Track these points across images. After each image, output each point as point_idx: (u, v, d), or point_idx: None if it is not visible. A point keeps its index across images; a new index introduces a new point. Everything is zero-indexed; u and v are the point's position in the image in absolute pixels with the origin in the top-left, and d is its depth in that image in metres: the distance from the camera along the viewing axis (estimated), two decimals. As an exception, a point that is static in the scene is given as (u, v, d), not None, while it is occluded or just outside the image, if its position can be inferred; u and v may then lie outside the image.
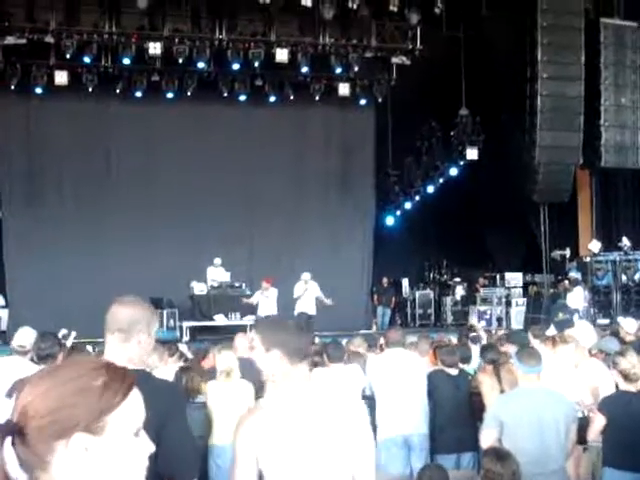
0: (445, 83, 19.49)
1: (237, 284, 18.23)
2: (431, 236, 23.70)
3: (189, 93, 18.97)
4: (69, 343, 7.69)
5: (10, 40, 16.95)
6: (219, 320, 17.55)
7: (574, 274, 18.37)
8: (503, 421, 5.20)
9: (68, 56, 17.16)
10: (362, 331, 16.64)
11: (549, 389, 5.42)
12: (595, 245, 18.96)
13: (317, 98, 19.72)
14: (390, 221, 24.55)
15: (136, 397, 1.50)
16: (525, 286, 20.89)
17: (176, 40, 17.56)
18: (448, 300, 22.24)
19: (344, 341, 8.97)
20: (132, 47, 17.52)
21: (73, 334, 8.33)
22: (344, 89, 19.58)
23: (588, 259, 19.02)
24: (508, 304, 20.31)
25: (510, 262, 22.19)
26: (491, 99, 19.56)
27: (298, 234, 20.73)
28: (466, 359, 8.14)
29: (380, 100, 20.21)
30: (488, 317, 19.86)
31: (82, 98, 18.63)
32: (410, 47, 18.60)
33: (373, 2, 17.52)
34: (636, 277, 18.52)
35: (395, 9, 17.05)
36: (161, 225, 19.64)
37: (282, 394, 3.05)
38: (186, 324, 17.44)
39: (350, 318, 18.57)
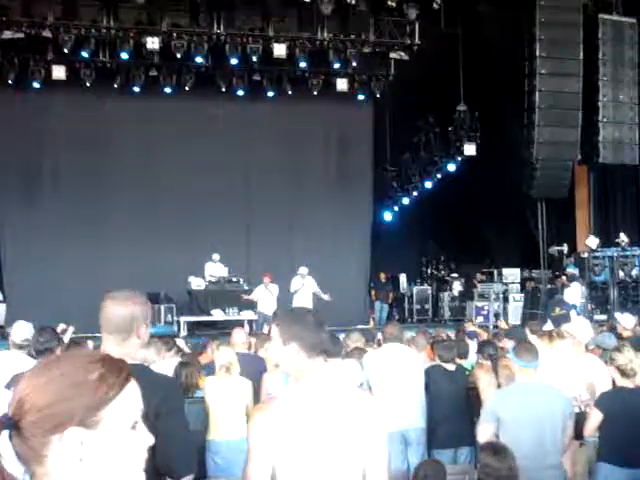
0: (443, 78, 19.47)
1: (235, 279, 18.25)
2: (429, 232, 23.74)
3: (187, 88, 18.96)
4: (67, 338, 7.68)
5: (7, 34, 16.92)
6: (217, 315, 17.58)
7: (571, 270, 18.38)
8: (500, 416, 5.22)
9: (66, 51, 17.10)
10: (360, 326, 16.65)
11: (546, 384, 5.43)
12: (593, 241, 18.95)
13: (315, 93, 19.69)
14: (388, 216, 24.58)
15: (133, 390, 1.50)
16: (522, 282, 20.90)
17: (174, 35, 17.52)
18: (446, 296, 22.27)
19: (342, 336, 8.98)
20: (130, 42, 17.48)
21: (71, 329, 8.34)
22: (342, 84, 19.56)
23: (586, 255, 19.01)
24: (505, 300, 20.32)
25: (508, 258, 22.19)
26: (489, 95, 19.55)
27: (296, 229, 20.75)
28: (463, 354, 8.16)
29: (378, 95, 20.20)
30: (485, 313, 19.88)
31: (80, 93, 18.61)
32: (408, 42, 18.56)
33: (371, -3, 17.52)
34: (633, 273, 18.52)
35: (393, 4, 17.03)
36: (159, 220, 19.66)
37: (298, 388, 3.04)
38: (184, 319, 17.47)
39: (348, 313, 18.59)
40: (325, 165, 21.55)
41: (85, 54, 17.59)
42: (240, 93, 19.64)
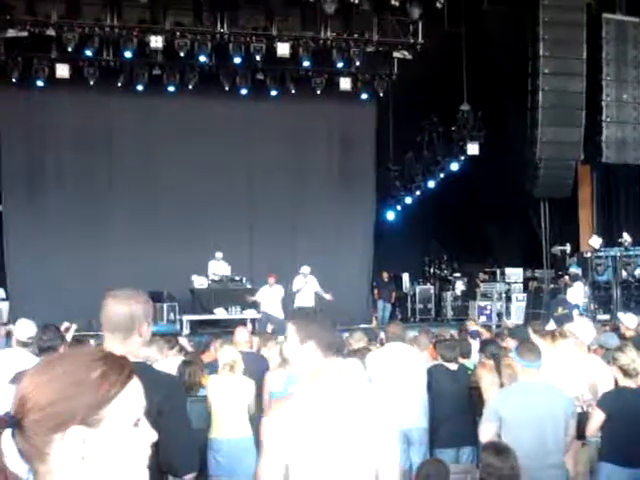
0: (446, 78, 19.46)
1: (238, 278, 18.26)
2: (432, 231, 23.75)
3: (190, 87, 18.94)
4: (69, 336, 7.69)
5: (12, 33, 16.94)
6: (219, 314, 17.58)
7: (574, 269, 18.36)
8: (502, 415, 5.22)
9: (70, 49, 17.10)
10: (362, 325, 16.65)
11: (548, 384, 5.43)
12: (596, 241, 18.94)
13: (318, 92, 19.69)
14: (391, 216, 24.58)
15: (135, 387, 1.50)
16: (525, 281, 20.91)
17: (177, 34, 17.53)
18: (448, 295, 22.27)
19: (345, 335, 8.98)
20: (133, 40, 17.48)
21: (74, 327, 8.34)
22: (345, 83, 19.56)
23: (588, 254, 19.00)
24: (508, 299, 20.32)
25: (510, 257, 22.20)
26: (492, 94, 19.55)
27: (299, 228, 20.75)
28: (466, 354, 8.17)
29: (381, 95, 20.19)
30: (488, 312, 19.87)
31: (83, 92, 18.60)
32: (411, 42, 18.56)
33: (375, -4, 17.52)
34: (636, 273, 18.51)
35: (396, 3, 17.03)
36: (162, 218, 19.66)
37: (313, 387, 3.05)
38: (186, 317, 17.48)
39: (350, 312, 18.59)
40: (328, 164, 21.55)
41: (89, 53, 17.59)
42: (243, 92, 19.63)
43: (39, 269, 18.69)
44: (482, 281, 21.42)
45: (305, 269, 17.26)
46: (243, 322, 15.18)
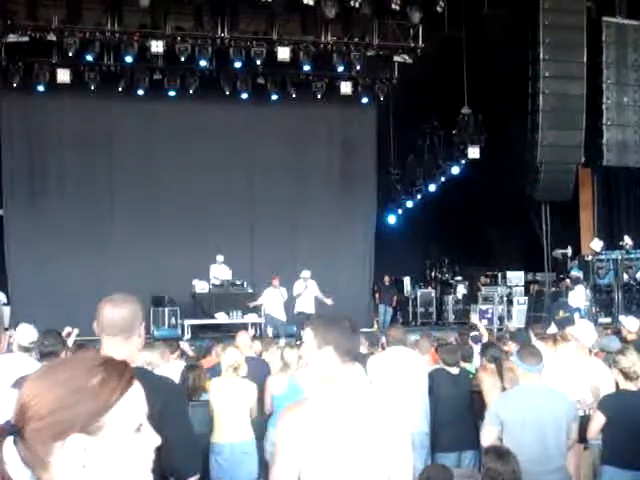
0: (447, 82, 19.48)
1: (239, 282, 18.27)
2: (433, 235, 23.76)
3: (191, 91, 18.97)
4: (71, 341, 7.70)
5: (13, 38, 16.97)
6: (220, 318, 17.59)
7: (576, 273, 18.37)
8: (503, 419, 5.22)
9: (70, 54, 17.15)
10: (364, 329, 16.64)
11: (550, 387, 5.43)
12: (597, 244, 18.94)
13: (319, 96, 19.72)
14: (392, 219, 24.60)
15: (136, 393, 1.50)
16: (527, 285, 20.91)
17: (178, 38, 17.55)
18: (450, 299, 22.28)
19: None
20: (134, 45, 17.50)
21: (75, 331, 8.34)
22: (346, 87, 19.59)
23: (590, 258, 19.01)
24: (510, 303, 20.32)
25: (512, 261, 22.20)
26: (493, 98, 19.56)
27: (300, 232, 20.76)
28: (468, 357, 8.16)
29: (382, 98, 20.21)
30: (489, 316, 19.86)
31: (84, 96, 18.64)
32: (412, 45, 18.59)
33: (375, 1, 17.47)
34: (638, 276, 18.51)
35: (397, 8, 17.02)
36: (163, 223, 19.68)
37: (329, 392, 3.04)
38: (188, 322, 17.48)
39: (351, 316, 18.55)
40: (329, 168, 21.56)
41: (89, 57, 17.61)
42: (244, 96, 19.65)
43: (40, 273, 18.71)
44: (483, 284, 21.42)
45: (305, 273, 17.25)
46: (244, 326, 15.17)
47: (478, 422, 6.43)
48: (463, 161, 20.98)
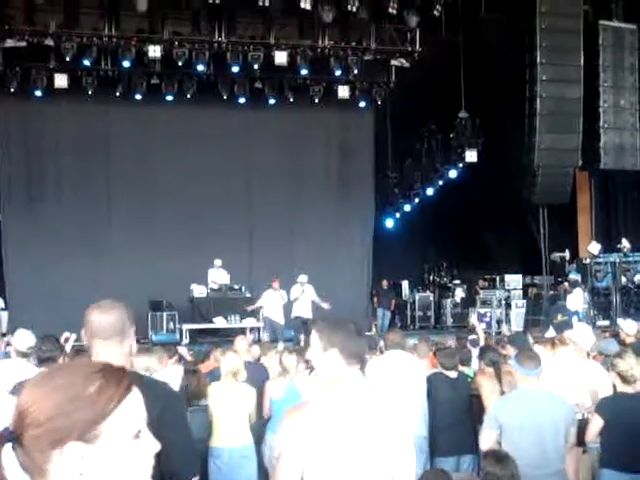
0: (444, 85, 19.50)
1: (237, 287, 18.25)
2: (431, 238, 23.75)
3: (189, 96, 18.97)
4: (69, 347, 7.69)
5: (10, 43, 16.97)
6: (219, 322, 17.57)
7: (574, 276, 18.37)
8: (502, 423, 5.22)
9: (68, 59, 17.13)
10: (362, 333, 16.59)
11: (548, 391, 5.43)
12: (594, 247, 18.96)
13: (316, 101, 19.72)
14: (390, 223, 24.60)
15: (134, 399, 1.49)
16: (525, 288, 20.90)
17: (176, 43, 17.56)
18: (448, 302, 22.26)
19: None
20: (132, 50, 17.51)
21: (73, 337, 8.32)
22: (343, 92, 19.59)
23: (588, 261, 19.03)
24: (508, 306, 20.31)
25: (510, 264, 22.20)
26: (490, 102, 19.58)
27: (298, 237, 20.75)
28: (466, 361, 8.16)
29: (379, 102, 20.21)
30: (488, 319, 19.85)
31: (82, 101, 18.63)
32: (409, 49, 18.59)
33: (372, 5, 17.52)
34: (636, 279, 18.52)
35: (394, 12, 17.04)
36: (161, 227, 19.66)
37: (334, 394, 3.03)
38: (186, 327, 17.46)
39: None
40: (327, 172, 21.56)
41: (87, 62, 17.61)
42: (242, 101, 19.66)
43: (38, 278, 18.68)
44: (481, 288, 21.41)
45: (302, 278, 17.24)
46: (242, 331, 15.17)
47: (477, 426, 6.42)
48: (461, 165, 21.00)
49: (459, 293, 22.31)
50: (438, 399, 7.24)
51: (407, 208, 24.09)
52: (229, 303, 17.79)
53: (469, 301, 21.69)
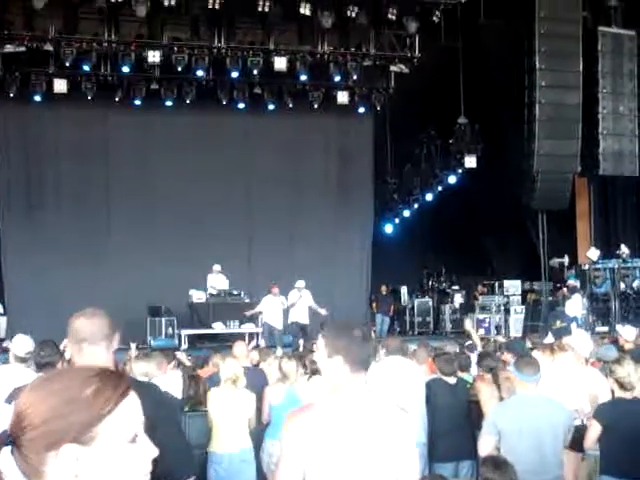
0: (444, 91, 19.52)
1: (236, 292, 18.22)
2: (430, 244, 23.74)
3: (188, 101, 18.98)
4: (68, 353, 7.68)
5: (9, 48, 16.96)
6: (218, 328, 17.55)
7: (572, 282, 18.38)
8: (501, 429, 5.21)
9: (67, 64, 17.15)
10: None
11: (547, 397, 5.43)
12: (593, 253, 18.97)
13: (316, 106, 19.73)
14: (389, 229, 24.60)
15: (131, 403, 1.50)
16: (524, 294, 20.87)
17: (175, 48, 17.56)
18: (447, 308, 22.23)
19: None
20: (131, 55, 17.51)
21: (71, 342, 8.31)
22: (343, 97, 19.61)
23: (587, 267, 19.04)
24: (507, 312, 20.28)
25: (509, 270, 22.19)
26: (489, 107, 19.60)
27: (297, 242, 20.74)
28: (465, 367, 8.15)
29: (379, 108, 20.22)
30: (487, 325, 19.83)
31: (81, 106, 18.63)
32: (408, 55, 18.60)
33: (371, 11, 17.53)
34: (634, 285, 18.53)
35: (393, 18, 17.06)
36: (160, 233, 19.65)
37: (337, 399, 3.02)
38: (185, 332, 17.43)
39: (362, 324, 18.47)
40: (326, 177, 21.57)
41: (86, 67, 17.62)
42: (241, 106, 19.67)
43: (37, 284, 18.66)
44: (480, 294, 21.40)
45: (300, 283, 17.22)
46: (242, 336, 15.15)
47: (475, 432, 6.42)
48: (460, 170, 21.02)
49: (458, 299, 22.27)
50: (437, 405, 7.23)
51: (406, 214, 24.10)
52: (228, 308, 17.76)
53: (468, 307, 21.65)
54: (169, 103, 19.15)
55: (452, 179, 21.50)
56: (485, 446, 5.28)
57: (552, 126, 17.38)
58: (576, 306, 16.91)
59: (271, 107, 19.93)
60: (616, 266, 18.63)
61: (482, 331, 19.30)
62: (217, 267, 18.10)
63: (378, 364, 7.83)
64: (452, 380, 7.41)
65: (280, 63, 17.74)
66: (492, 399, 6.77)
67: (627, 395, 5.66)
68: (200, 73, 18.09)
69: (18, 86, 18.13)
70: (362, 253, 21.69)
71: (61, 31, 17.11)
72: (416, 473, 3.03)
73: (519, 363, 5.45)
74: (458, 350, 10.88)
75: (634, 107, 18.38)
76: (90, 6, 17.09)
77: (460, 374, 7.73)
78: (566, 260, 19.72)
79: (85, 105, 18.57)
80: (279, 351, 12.49)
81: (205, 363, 9.83)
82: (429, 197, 22.79)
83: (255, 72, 18.10)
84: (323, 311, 16.79)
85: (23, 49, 17.07)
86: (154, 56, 17.27)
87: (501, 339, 14.62)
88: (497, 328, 19.71)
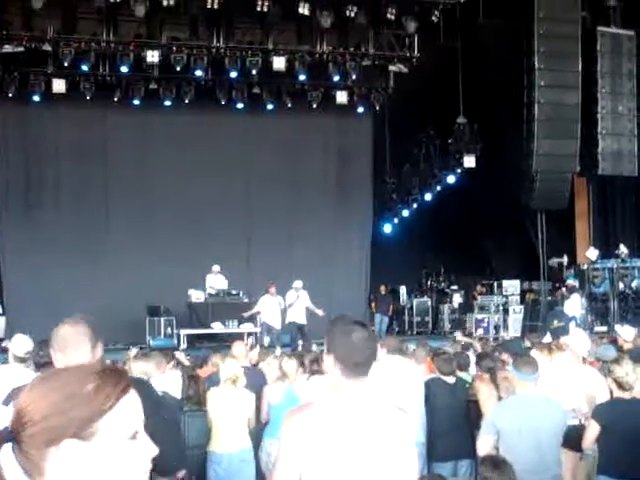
0: (443, 91, 19.51)
1: (235, 292, 18.22)
2: (429, 244, 23.74)
3: (187, 101, 18.99)
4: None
5: (8, 48, 16.95)
6: (216, 328, 17.54)
7: (571, 281, 18.39)
8: (500, 428, 5.21)
9: (66, 64, 17.16)
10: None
11: (546, 397, 5.43)
12: (592, 252, 18.97)
13: (315, 106, 19.74)
14: (388, 229, 24.59)
15: (131, 400, 1.50)
16: (522, 294, 20.88)
17: (174, 48, 17.57)
18: (445, 308, 22.25)
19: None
20: (130, 55, 17.52)
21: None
22: (342, 97, 19.61)
23: (585, 266, 19.04)
24: (505, 312, 20.28)
25: (508, 270, 22.19)
26: (488, 107, 19.60)
27: (296, 242, 20.75)
28: (464, 367, 8.15)
29: (378, 108, 20.23)
30: (485, 325, 19.84)
31: (80, 106, 18.64)
32: (407, 55, 18.60)
33: (370, 10, 17.53)
34: (633, 284, 18.53)
35: (392, 17, 17.07)
36: (158, 233, 19.65)
37: (337, 399, 3.01)
38: (184, 332, 17.41)
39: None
40: (325, 177, 21.58)
41: (85, 67, 17.63)
42: (240, 106, 19.68)
43: (36, 283, 18.66)
44: (479, 294, 21.40)
45: (297, 284, 17.22)
46: (240, 336, 15.15)
47: (474, 431, 6.42)
48: (459, 170, 21.02)
49: (457, 299, 22.28)
50: (436, 404, 7.23)
51: (405, 213, 24.09)
52: (227, 308, 17.75)
53: (467, 307, 21.67)
54: (168, 103, 19.16)
55: (451, 179, 21.50)
56: (484, 445, 5.28)
57: (551, 126, 17.38)
58: (575, 306, 16.91)
59: (270, 107, 19.94)
60: (615, 266, 18.64)
61: (481, 331, 19.34)
62: (216, 267, 18.10)
63: (377, 363, 7.84)
64: (451, 380, 7.40)
65: (279, 63, 17.74)
66: (491, 399, 6.77)
67: (626, 395, 5.66)
68: (199, 73, 18.10)
69: (17, 86, 18.14)
70: (361, 253, 21.70)
71: (60, 31, 17.12)
72: (415, 473, 3.02)
73: (517, 362, 5.45)
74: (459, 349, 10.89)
75: (633, 107, 18.38)
76: (89, 6, 17.09)
77: (459, 374, 7.73)
78: (565, 260, 19.73)
79: (84, 105, 18.58)
80: (278, 351, 12.48)
81: (204, 363, 9.82)
82: (428, 197, 22.78)
83: (254, 72, 18.12)
84: (320, 312, 16.78)
85: (22, 49, 17.08)
86: (153, 56, 17.28)
87: (492, 338, 14.66)
88: (496, 328, 19.71)
